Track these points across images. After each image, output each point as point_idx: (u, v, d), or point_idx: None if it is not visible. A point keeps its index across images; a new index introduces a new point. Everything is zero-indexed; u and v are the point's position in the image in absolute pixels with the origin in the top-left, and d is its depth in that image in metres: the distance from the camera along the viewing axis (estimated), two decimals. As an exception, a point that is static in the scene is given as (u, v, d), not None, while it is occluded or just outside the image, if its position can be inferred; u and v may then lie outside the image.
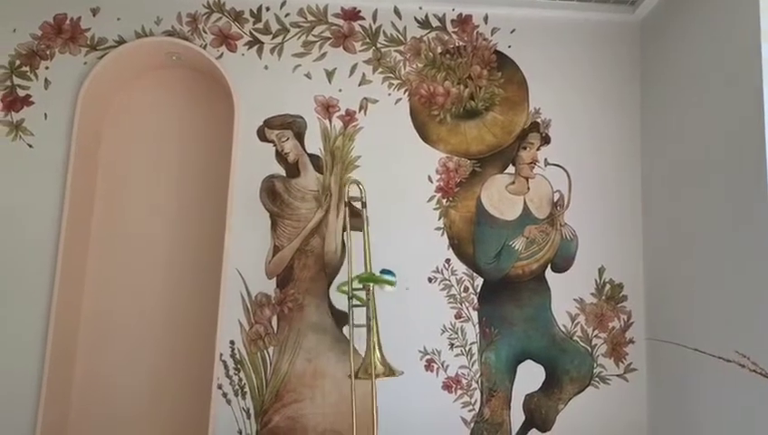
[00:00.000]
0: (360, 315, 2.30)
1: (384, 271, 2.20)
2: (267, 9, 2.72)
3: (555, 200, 2.68)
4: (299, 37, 2.72)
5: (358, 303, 2.28)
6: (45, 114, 2.59)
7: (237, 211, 2.59)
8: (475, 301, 2.61)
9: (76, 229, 2.60)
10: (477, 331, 2.60)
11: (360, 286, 2.28)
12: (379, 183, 2.62)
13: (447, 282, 2.62)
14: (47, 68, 2.63)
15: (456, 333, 2.60)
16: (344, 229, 2.56)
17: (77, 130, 2.55)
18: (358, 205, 2.42)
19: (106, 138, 2.80)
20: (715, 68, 2.20)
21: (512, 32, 2.75)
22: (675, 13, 2.50)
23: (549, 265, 2.64)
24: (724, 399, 2.05)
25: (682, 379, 2.32)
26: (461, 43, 2.74)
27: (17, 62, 2.62)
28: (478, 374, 2.57)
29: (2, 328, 2.44)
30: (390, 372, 2.14)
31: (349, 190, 2.49)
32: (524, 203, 2.67)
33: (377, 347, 2.17)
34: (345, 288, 2.30)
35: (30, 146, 2.58)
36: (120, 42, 2.65)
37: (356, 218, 2.60)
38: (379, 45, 2.73)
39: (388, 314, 2.44)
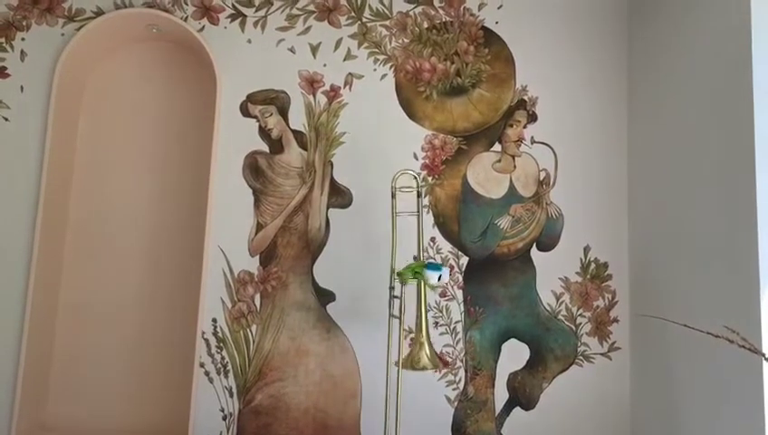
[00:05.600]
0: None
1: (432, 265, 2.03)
2: (250, -19, 2.67)
3: (541, 179, 2.66)
4: (282, 10, 2.66)
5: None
6: (22, 87, 2.53)
7: (220, 188, 2.55)
8: (461, 279, 2.60)
9: (54, 205, 2.55)
10: (462, 309, 2.58)
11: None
12: (363, 160, 2.59)
13: (433, 260, 2.59)
14: (23, 39, 2.57)
15: (441, 312, 2.58)
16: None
17: (54, 104, 2.49)
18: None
19: (84, 112, 2.74)
20: (703, 44, 2.18)
21: (499, 7, 2.71)
22: (663, -11, 2.48)
23: (534, 244, 2.63)
24: (709, 376, 2.05)
25: (666, 357, 2.32)
26: (448, 19, 2.70)
27: (-8, 33, 2.56)
28: (463, 353, 2.56)
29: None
30: (435, 365, 2.01)
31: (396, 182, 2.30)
32: (510, 181, 2.65)
33: (426, 340, 2.01)
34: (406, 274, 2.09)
35: (6, 119, 2.52)
36: (99, 13, 2.58)
37: (337, 197, 2.59)
38: (364, 20, 2.68)
39: (372, 292, 2.44)
